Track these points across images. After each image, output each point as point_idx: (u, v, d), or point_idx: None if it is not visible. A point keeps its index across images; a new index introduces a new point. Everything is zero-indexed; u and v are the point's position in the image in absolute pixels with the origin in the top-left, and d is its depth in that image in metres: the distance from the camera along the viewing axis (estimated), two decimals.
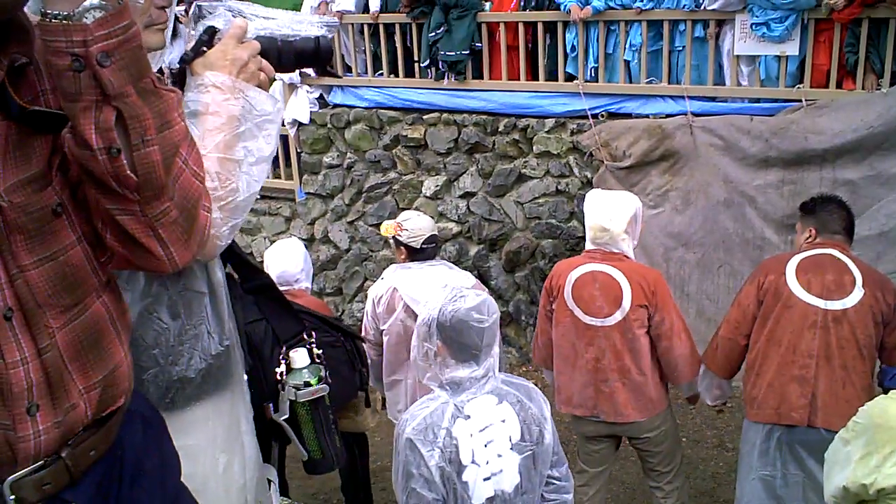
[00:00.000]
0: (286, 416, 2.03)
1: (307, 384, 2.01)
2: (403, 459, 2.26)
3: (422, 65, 7.07)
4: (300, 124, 7.74)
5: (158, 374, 1.66)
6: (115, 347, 1.19)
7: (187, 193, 1.10)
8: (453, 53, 6.81)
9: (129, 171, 1.01)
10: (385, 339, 3.95)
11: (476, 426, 2.27)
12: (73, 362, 1.11)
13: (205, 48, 1.52)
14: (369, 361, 4.20)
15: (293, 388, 2.00)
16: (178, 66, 1.56)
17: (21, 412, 1.03)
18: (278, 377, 2.04)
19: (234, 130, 1.52)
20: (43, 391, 1.06)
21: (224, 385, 1.79)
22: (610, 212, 3.65)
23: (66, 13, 0.93)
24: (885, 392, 2.19)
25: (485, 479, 2.26)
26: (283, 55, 1.65)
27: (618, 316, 3.57)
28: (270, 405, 2.10)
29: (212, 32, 1.53)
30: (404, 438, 2.26)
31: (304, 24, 1.69)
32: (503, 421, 2.30)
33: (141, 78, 1.01)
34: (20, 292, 1.03)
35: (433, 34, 6.87)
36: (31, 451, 1.06)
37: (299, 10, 7.89)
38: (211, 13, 1.56)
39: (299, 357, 2.05)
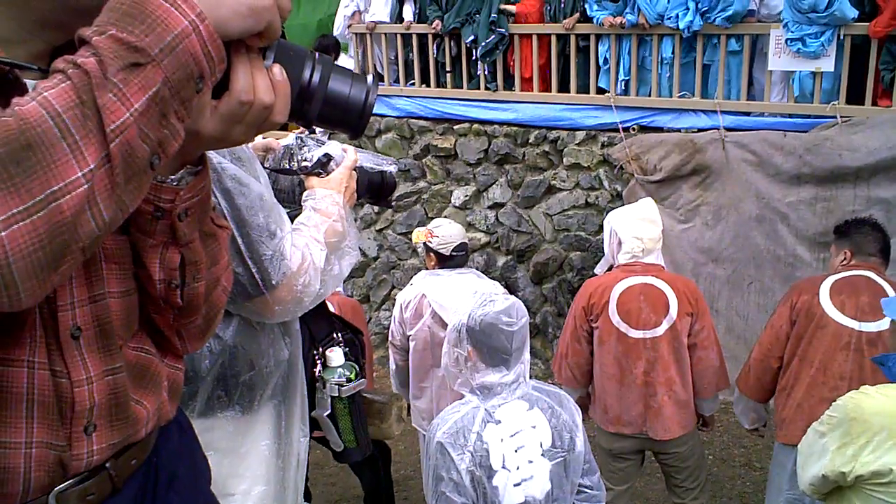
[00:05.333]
0: (328, 412, 2.12)
1: (349, 380, 2.12)
2: (434, 463, 2.26)
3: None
4: (331, 133, 7.79)
5: (253, 377, 1.81)
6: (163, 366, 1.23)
7: (214, 305, 1.22)
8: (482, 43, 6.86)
9: (178, 300, 1.12)
10: (411, 344, 3.96)
11: (506, 431, 2.27)
12: (137, 382, 1.14)
13: (321, 170, 1.90)
14: (394, 367, 4.22)
15: (336, 384, 2.10)
16: (298, 177, 1.95)
17: (78, 431, 1.04)
18: (317, 376, 2.12)
19: (333, 241, 1.84)
20: (103, 412, 1.06)
21: (291, 386, 1.94)
22: (646, 222, 3.66)
23: (162, 178, 1.00)
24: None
25: (515, 485, 2.26)
26: (359, 184, 2.03)
27: (665, 325, 3.55)
28: None
29: (329, 158, 1.90)
30: (435, 442, 2.27)
31: (376, 159, 2.12)
32: (534, 427, 2.30)
33: (204, 221, 1.11)
34: (99, 313, 1.05)
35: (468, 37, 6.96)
36: (82, 468, 1.06)
37: (333, 20, 7.98)
38: (313, 143, 1.94)
39: (335, 356, 2.14)
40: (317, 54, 1.01)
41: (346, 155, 1.93)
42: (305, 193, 1.89)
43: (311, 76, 0.99)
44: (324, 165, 1.90)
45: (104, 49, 0.81)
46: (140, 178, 0.86)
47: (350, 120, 1.03)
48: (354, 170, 1.98)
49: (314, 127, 1.10)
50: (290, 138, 1.95)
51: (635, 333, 3.57)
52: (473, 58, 7.09)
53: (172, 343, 1.21)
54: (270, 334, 1.86)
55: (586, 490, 2.44)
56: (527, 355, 2.35)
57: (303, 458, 2.05)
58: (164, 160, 0.87)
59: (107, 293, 1.06)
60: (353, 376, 2.13)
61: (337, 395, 2.10)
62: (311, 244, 1.77)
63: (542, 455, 2.30)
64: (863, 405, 2.10)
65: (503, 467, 2.25)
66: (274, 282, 1.67)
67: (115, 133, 0.80)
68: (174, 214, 1.03)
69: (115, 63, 0.81)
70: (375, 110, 6.15)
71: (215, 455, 1.76)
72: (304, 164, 1.89)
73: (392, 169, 2.15)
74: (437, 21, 7.09)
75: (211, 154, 1.45)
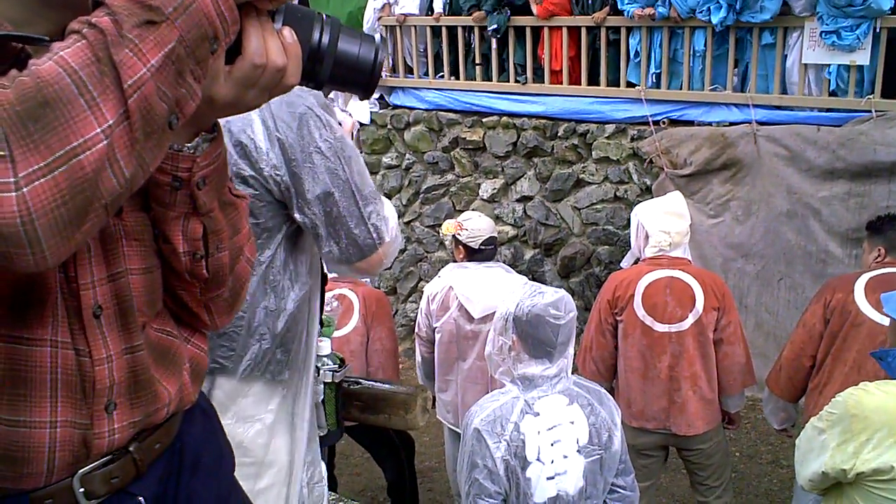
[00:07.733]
0: (322, 398, 2.23)
1: (341, 366, 2.26)
2: (469, 449, 2.28)
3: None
4: (361, 125, 7.81)
5: (298, 345, 1.91)
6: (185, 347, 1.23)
7: (239, 277, 1.23)
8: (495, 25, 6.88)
9: (204, 271, 1.13)
10: (437, 336, 3.96)
11: (544, 424, 2.27)
12: (159, 363, 1.15)
13: None
14: (420, 359, 4.22)
15: (330, 371, 2.22)
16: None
17: (100, 409, 1.05)
18: None
19: None
20: (123, 390, 1.08)
21: (308, 361, 2.02)
22: (674, 216, 3.63)
23: (178, 147, 1.01)
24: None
25: (548, 479, 2.26)
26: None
27: (691, 319, 3.51)
28: None
29: None
30: (472, 429, 2.28)
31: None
32: (572, 422, 2.30)
33: (223, 191, 1.11)
34: (119, 291, 1.06)
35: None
36: (104, 448, 1.07)
37: (363, 13, 7.98)
38: None
39: (324, 345, 2.25)
40: (324, 16, 1.01)
41: None
42: None
43: (321, 37, 0.99)
44: None
45: (119, 8, 0.82)
46: (159, 136, 0.86)
47: (360, 79, 1.03)
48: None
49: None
50: None
51: (660, 327, 3.54)
52: (495, 47, 7.07)
53: (201, 319, 1.22)
54: (311, 308, 1.95)
55: (620, 490, 2.43)
56: (571, 350, 2.34)
57: (302, 435, 2.12)
58: (181, 120, 0.88)
59: (128, 270, 1.07)
60: (339, 363, 2.26)
61: (330, 380, 2.21)
62: None
63: (578, 451, 2.30)
64: (863, 402, 2.07)
65: (538, 459, 2.25)
66: (387, 238, 1.83)
67: (133, 88, 0.81)
68: (192, 183, 1.04)
69: (130, 20, 0.82)
70: (404, 103, 6.15)
71: (268, 416, 1.87)
72: None
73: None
74: (474, 11, 7.04)
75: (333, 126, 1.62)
